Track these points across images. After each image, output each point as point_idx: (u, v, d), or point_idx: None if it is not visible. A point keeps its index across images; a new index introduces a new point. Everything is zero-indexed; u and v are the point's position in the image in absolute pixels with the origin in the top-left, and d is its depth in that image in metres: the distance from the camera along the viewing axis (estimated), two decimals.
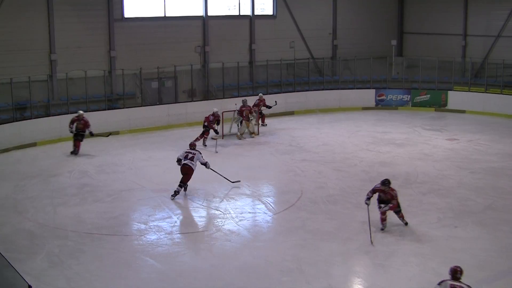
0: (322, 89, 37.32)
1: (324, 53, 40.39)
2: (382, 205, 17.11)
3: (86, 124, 25.74)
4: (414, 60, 40.01)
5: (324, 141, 28.25)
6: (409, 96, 37.31)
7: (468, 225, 17.92)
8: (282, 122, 31.35)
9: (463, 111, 35.83)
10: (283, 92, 35.39)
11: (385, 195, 17.03)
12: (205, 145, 26.91)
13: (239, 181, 21.46)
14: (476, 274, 14.59)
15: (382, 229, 17.10)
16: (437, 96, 37.03)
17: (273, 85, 36.85)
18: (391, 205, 17.01)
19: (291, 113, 34.17)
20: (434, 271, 14.76)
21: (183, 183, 19.83)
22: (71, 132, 25.71)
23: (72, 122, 25.72)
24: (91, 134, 25.98)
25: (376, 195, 17.21)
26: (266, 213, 19.12)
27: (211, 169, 20.51)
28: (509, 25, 38.07)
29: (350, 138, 29.00)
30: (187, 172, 19.63)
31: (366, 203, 16.93)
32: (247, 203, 20.11)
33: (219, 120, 27.30)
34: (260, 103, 30.73)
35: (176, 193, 19.69)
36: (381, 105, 37.27)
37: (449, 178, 22.73)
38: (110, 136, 27.04)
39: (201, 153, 20.17)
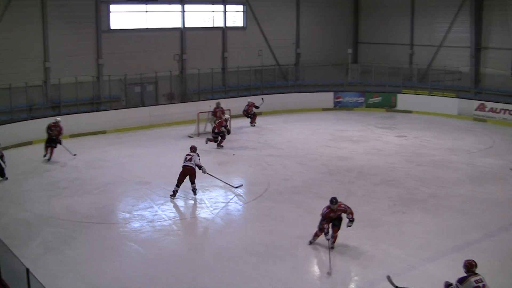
0: (287, 93, 37.41)
1: (289, 60, 40.54)
2: (348, 223, 14.82)
3: (60, 131, 24.67)
4: (368, 66, 40.37)
5: (289, 138, 28.33)
6: (363, 98, 37.52)
7: (414, 211, 18.13)
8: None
9: (410, 111, 36.16)
10: (252, 95, 35.34)
11: (335, 214, 14.83)
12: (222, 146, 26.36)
13: (242, 185, 20.84)
14: (421, 253, 14.83)
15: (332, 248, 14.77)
16: (388, 98, 37.30)
17: (243, 89, 36.86)
18: (335, 236, 14.93)
19: (259, 114, 34.22)
20: (384, 251, 14.96)
21: (192, 182, 19.25)
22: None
23: (49, 127, 24.49)
24: (59, 143, 24.54)
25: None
26: (237, 203, 19.17)
27: (208, 173, 19.81)
28: (449, 37, 38.47)
29: (311, 136, 29.14)
30: (189, 173, 19.01)
31: (328, 239, 14.62)
32: (220, 194, 20.08)
33: (229, 130, 27.00)
34: (249, 108, 30.86)
35: (174, 193, 19.17)
36: (338, 106, 37.41)
37: (398, 170, 22.94)
38: (75, 155, 24.90)
39: (199, 156, 19.53)
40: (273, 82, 38.69)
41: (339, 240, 15.40)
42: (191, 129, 29.36)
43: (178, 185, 19.12)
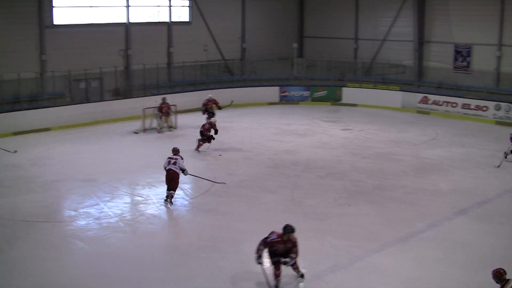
0: (232, 87, 37.26)
1: (234, 55, 40.47)
2: (283, 259, 12.53)
3: None
4: (313, 60, 40.70)
5: (235, 133, 28.30)
6: (309, 92, 37.74)
7: (360, 203, 18.33)
8: (196, 117, 31.23)
9: (355, 105, 36.56)
10: (198, 90, 35.20)
11: (285, 245, 12.35)
12: (198, 151, 25.13)
13: (225, 183, 20.23)
14: (367, 245, 14.99)
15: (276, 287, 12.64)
16: (333, 92, 37.62)
17: (188, 84, 36.64)
18: (295, 260, 12.65)
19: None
20: (330, 243, 15.08)
21: (172, 189, 18.30)
22: None
23: None
24: None
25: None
26: (184, 198, 19.02)
27: (190, 174, 18.97)
28: (393, 31, 39.03)
29: (257, 130, 29.19)
30: (173, 177, 18.13)
31: (259, 263, 12.41)
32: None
33: (216, 130, 25.36)
34: (209, 103, 30.20)
35: (168, 197, 18.29)
36: (284, 100, 37.55)
37: (344, 163, 23.16)
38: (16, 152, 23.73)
39: (182, 158, 18.56)
40: (219, 77, 38.56)
41: None
42: (137, 125, 29.07)
43: (168, 189, 18.30)
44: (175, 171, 18.00)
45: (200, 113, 29.18)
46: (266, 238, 12.38)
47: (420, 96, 35.33)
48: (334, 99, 37.54)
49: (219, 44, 39.11)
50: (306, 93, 37.75)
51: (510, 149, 22.94)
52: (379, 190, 19.76)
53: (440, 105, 34.35)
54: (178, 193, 19.19)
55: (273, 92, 37.56)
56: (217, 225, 16.53)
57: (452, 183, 20.80)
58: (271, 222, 16.42)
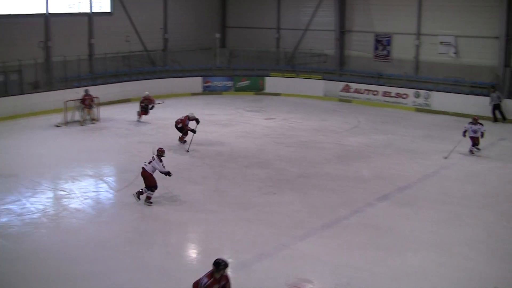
0: (155, 78, 36.78)
1: (157, 45, 39.94)
2: None
3: None
4: (236, 51, 40.79)
5: (158, 125, 27.91)
6: (232, 82, 37.75)
7: (285, 192, 18.42)
8: (119, 109, 30.82)
9: (278, 94, 36.80)
10: (120, 82, 34.68)
11: (219, 285, 9.99)
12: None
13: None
14: (293, 232, 15.08)
15: None
16: (256, 81, 37.74)
17: (111, 76, 35.89)
18: None
19: (127, 101, 33.58)
20: (256, 232, 15.10)
21: (146, 186, 17.55)
22: None
23: None
24: None
25: None
26: (108, 191, 18.65)
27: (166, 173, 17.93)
28: (315, 21, 39.43)
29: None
30: (144, 176, 17.44)
31: None
32: (91, 183, 19.50)
33: (198, 120, 24.43)
34: (145, 100, 29.45)
35: (140, 193, 17.52)
36: (207, 90, 37.42)
37: (267, 152, 23.24)
38: None
39: (161, 161, 17.65)
40: (141, 68, 37.97)
41: (212, 225, 15.47)
42: (59, 118, 28.33)
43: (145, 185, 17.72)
44: (147, 170, 17.40)
45: (121, 104, 28.68)
46: (198, 286, 10.02)
47: (341, 84, 35.86)
48: (257, 89, 37.66)
49: (141, 35, 38.54)
50: (229, 83, 37.73)
51: (471, 144, 23.20)
52: (303, 178, 19.93)
53: (361, 93, 34.93)
54: (102, 186, 18.89)
55: (196, 83, 37.36)
56: (143, 217, 16.29)
57: (374, 169, 21.18)
58: (196, 212, 16.45)
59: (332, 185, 19.20)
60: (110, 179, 19.78)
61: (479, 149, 23.18)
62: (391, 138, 25.91)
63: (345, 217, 16.33)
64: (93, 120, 28.45)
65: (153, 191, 17.40)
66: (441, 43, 34.25)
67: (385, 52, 36.65)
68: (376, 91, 34.44)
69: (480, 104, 30.88)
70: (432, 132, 27.49)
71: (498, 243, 14.73)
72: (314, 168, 21.02)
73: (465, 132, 22.99)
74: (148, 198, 17.31)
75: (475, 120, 23.07)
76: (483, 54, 32.77)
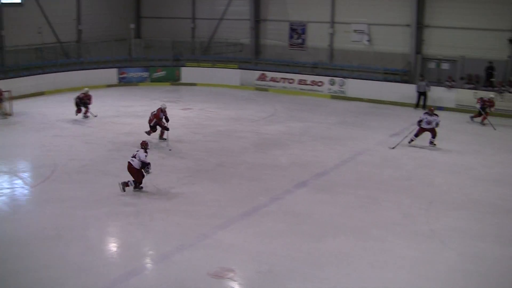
0: (69, 70, 35.83)
1: (70, 37, 39.09)
2: None
3: None
4: (151, 41, 40.39)
5: (74, 118, 27.12)
6: (147, 73, 37.40)
7: (203, 182, 18.34)
8: (33, 102, 29.98)
9: (194, 84, 36.72)
10: (33, 75, 33.68)
11: None
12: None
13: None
14: (213, 222, 15.03)
15: None
16: (172, 72, 37.52)
17: (23, 69, 34.68)
18: None
19: (41, 94, 32.71)
20: (176, 223, 14.98)
21: (134, 180, 17.32)
22: None
23: None
24: None
25: None
26: (23, 187, 18.07)
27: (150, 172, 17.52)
28: (230, 10, 39.44)
29: (99, 114, 28.05)
30: (129, 169, 17.16)
31: None
32: (5, 179, 18.77)
33: (167, 118, 23.15)
34: (85, 97, 27.80)
35: (125, 185, 17.16)
36: (123, 82, 36.90)
37: (185, 142, 23.08)
38: None
39: (146, 152, 17.29)
40: (55, 60, 36.92)
41: (131, 217, 15.26)
42: None
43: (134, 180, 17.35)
44: (131, 163, 17.12)
45: (35, 98, 27.85)
46: None
47: (257, 73, 36.04)
48: (173, 79, 37.43)
49: (54, 26, 37.56)
50: (145, 74, 37.36)
51: (414, 133, 22.82)
52: (222, 167, 19.90)
53: (277, 81, 35.20)
54: (17, 182, 18.31)
55: (111, 74, 36.76)
56: (60, 213, 15.81)
57: (291, 157, 21.36)
58: (115, 205, 16.17)
59: (251, 174, 19.26)
60: (26, 175, 19.20)
61: (434, 144, 22.95)
62: (308, 126, 26.22)
63: (264, 204, 16.40)
64: (6, 114, 27.49)
65: (137, 186, 17.30)
66: (355, 31, 34.87)
67: (300, 41, 37.02)
68: (292, 79, 34.76)
69: (393, 91, 31.65)
70: (347, 118, 27.99)
71: (413, 225, 15.12)
72: (233, 157, 21.03)
73: (420, 122, 22.64)
74: (126, 184, 17.17)
75: (431, 111, 22.74)
76: (395, 42, 33.56)
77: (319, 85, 33.92)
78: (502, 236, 14.61)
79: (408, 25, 32.78)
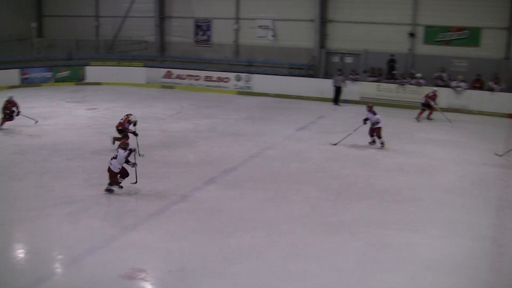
0: None
1: None
2: None
3: None
4: (54, 40, 39.44)
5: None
6: (51, 73, 36.58)
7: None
8: None
9: (99, 83, 36.19)
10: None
11: None
12: None
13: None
14: (122, 222, 14.91)
15: None
16: (76, 71, 36.87)
17: None
18: None
19: None
20: (85, 226, 14.66)
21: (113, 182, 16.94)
22: None
23: None
24: None
25: None
26: None
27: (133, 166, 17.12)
28: (134, 7, 39.11)
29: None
30: (108, 170, 16.77)
31: None
32: None
33: (136, 122, 21.96)
34: (9, 104, 25.95)
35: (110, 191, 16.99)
36: (26, 83, 35.93)
37: (92, 143, 22.70)
38: None
39: (125, 151, 16.66)
40: None
41: (37, 220, 14.87)
42: None
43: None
44: (109, 166, 16.75)
45: None
46: None
47: (163, 71, 35.92)
48: (78, 79, 36.79)
49: None
50: (48, 74, 36.55)
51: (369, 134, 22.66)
52: (128, 167, 19.61)
53: (183, 78, 35.15)
54: None
55: (13, 75, 35.68)
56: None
57: (199, 153, 21.37)
58: (21, 210, 15.68)
59: (159, 172, 19.14)
60: None
61: (377, 143, 22.74)
62: (215, 122, 26.30)
63: (173, 203, 16.32)
64: None
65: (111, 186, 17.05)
66: (260, 27, 35.22)
67: (205, 37, 37.07)
68: (198, 76, 34.79)
69: (298, 85, 32.14)
70: (254, 113, 28.25)
71: (321, 217, 15.40)
72: (140, 157, 20.79)
73: (366, 120, 22.47)
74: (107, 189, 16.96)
75: (370, 108, 22.53)
76: (300, 37, 34.12)
77: (225, 81, 34.07)
78: (404, 223, 15.10)
79: (312, 20, 33.36)
